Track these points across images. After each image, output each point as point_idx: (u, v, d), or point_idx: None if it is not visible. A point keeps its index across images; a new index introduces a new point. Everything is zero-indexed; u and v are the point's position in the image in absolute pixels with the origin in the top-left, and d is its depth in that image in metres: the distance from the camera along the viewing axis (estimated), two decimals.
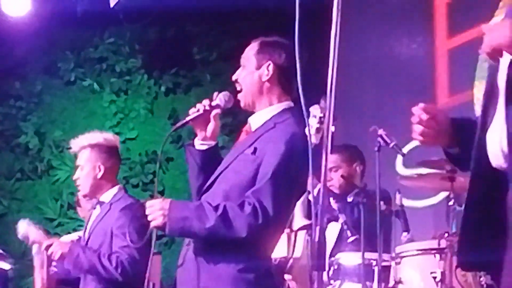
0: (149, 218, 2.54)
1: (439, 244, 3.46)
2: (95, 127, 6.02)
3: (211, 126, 2.73)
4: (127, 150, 6.69)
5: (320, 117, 2.86)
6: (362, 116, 5.43)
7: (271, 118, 2.67)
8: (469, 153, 1.91)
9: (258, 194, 2.50)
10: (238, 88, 2.75)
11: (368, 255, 3.51)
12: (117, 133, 6.38)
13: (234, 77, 2.79)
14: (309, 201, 3.07)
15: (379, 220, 3.46)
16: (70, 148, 6.45)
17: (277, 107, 2.70)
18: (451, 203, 3.77)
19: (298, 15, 1.80)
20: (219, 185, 2.61)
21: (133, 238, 3.66)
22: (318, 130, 2.69)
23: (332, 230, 3.99)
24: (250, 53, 2.71)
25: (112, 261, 3.64)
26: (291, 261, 3.48)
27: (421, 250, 3.48)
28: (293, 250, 3.40)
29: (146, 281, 3.24)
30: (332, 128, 1.51)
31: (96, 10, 6.32)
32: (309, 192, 2.84)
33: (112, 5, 6.00)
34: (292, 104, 2.74)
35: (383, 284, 3.54)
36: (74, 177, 4.01)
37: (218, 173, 2.64)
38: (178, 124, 2.78)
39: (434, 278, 3.18)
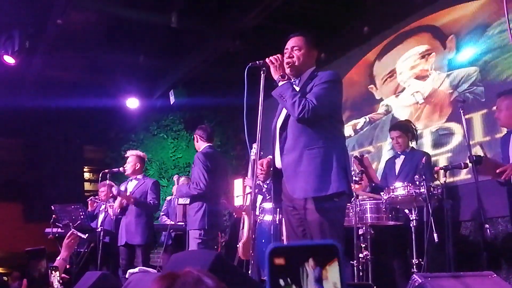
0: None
1: None
2: (164, 154, 9.25)
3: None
4: (178, 162, 9.23)
5: (255, 148, 3.32)
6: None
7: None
8: None
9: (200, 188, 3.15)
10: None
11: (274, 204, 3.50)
12: (174, 155, 9.25)
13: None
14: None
15: (273, 188, 3.45)
16: (150, 160, 8.93)
17: (202, 150, 3.30)
18: None
19: (245, 107, 2.43)
20: None
21: (157, 195, 5.30)
22: (255, 154, 3.38)
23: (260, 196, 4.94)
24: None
25: (151, 202, 5.23)
26: (245, 206, 5.00)
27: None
28: (246, 201, 4.79)
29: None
30: (260, 154, 2.40)
31: (165, 105, 8.95)
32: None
33: (172, 103, 8.52)
34: (211, 144, 3.35)
35: (280, 216, 4.21)
36: (125, 166, 5.23)
37: None
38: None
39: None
